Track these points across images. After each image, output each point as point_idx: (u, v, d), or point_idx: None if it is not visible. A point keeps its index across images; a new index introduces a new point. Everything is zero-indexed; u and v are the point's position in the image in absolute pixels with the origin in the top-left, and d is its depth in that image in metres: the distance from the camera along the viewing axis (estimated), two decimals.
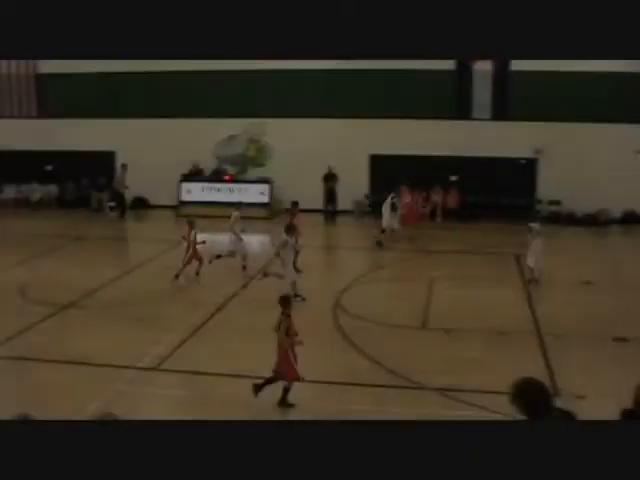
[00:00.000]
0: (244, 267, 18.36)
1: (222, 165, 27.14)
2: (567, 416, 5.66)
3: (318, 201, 25.23)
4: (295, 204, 18.75)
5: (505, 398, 11.48)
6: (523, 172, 25.43)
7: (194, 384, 11.96)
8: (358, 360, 12.92)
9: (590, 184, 24.42)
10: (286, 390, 10.89)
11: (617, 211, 25.32)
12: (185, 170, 26.89)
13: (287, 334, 10.77)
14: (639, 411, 6.62)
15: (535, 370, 12.51)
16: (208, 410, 10.42)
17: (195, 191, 26.84)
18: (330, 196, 25.45)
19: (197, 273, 17.79)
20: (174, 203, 26.78)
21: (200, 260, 17.76)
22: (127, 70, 24.68)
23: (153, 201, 27.77)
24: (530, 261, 17.30)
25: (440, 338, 13.98)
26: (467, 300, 16.18)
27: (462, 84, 25.19)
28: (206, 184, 26.75)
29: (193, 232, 17.73)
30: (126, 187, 26.19)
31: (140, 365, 12.49)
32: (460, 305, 15.89)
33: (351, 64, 23.56)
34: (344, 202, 25.71)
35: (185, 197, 26.76)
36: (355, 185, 25.84)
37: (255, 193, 26.05)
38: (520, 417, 5.55)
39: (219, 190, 26.45)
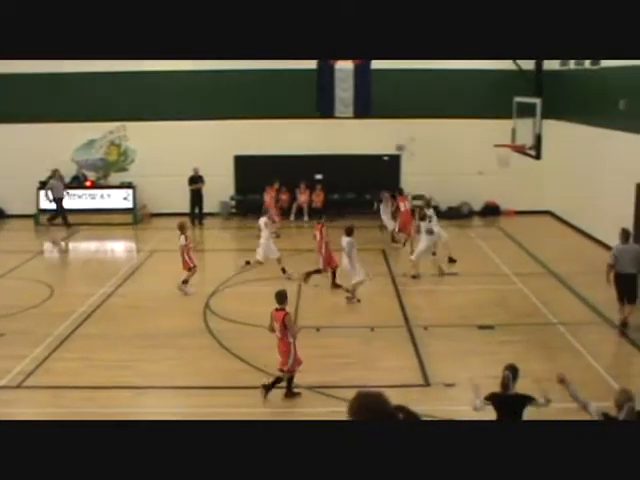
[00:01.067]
0: (284, 270, 17.98)
1: (82, 171, 26.18)
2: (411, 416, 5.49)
3: (184, 204, 24.80)
4: None
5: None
6: (387, 168, 25.90)
7: (60, 400, 11.46)
8: (230, 362, 12.78)
9: (452, 178, 25.28)
10: (290, 380, 11.40)
11: (478, 204, 26.22)
12: (43, 177, 25.74)
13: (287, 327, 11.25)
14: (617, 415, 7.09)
15: (406, 362, 12.79)
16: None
17: None
18: (196, 198, 25.06)
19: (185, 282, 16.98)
20: (32, 212, 25.55)
21: (192, 268, 17.06)
22: None
23: (9, 210, 26.37)
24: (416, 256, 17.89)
25: (312, 336, 14.00)
26: (337, 297, 16.29)
27: (324, 83, 25.36)
28: (66, 191, 25.67)
29: (183, 237, 17.01)
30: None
31: (2, 383, 11.88)
32: (330, 302, 15.99)
33: (213, 64, 23.30)
34: (210, 204, 25.38)
35: (44, 205, 25.52)
36: (221, 187, 25.57)
37: (118, 199, 25.34)
38: None
39: (80, 197, 25.51)
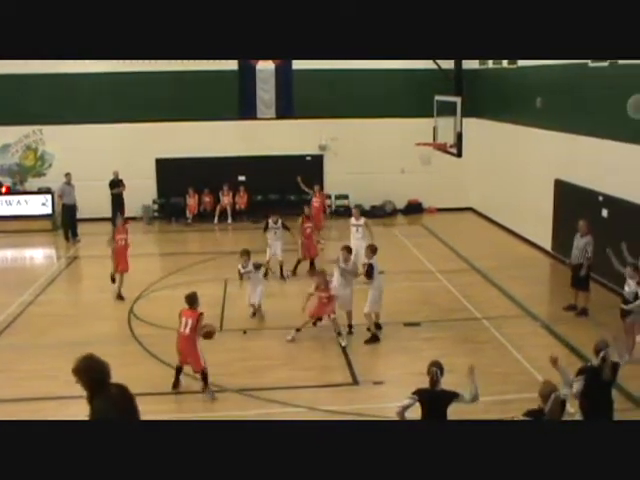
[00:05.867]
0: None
1: None
2: None
3: (105, 209, 24.30)
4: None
5: (308, 391, 11.62)
6: (310, 169, 25.91)
7: None
8: (157, 368, 12.55)
9: (374, 177, 25.50)
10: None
11: (401, 202, 26.47)
12: None
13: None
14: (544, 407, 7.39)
15: (334, 361, 12.79)
16: None
17: None
18: (117, 203, 24.56)
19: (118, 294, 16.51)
20: None
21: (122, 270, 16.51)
22: None
23: None
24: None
25: (239, 339, 13.89)
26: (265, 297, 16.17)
27: (246, 84, 25.25)
28: None
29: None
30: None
31: None
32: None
33: (133, 66, 22.92)
34: (132, 208, 24.93)
35: None
36: (143, 190, 25.15)
37: (36, 205, 24.64)
38: None
39: None
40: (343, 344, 13.53)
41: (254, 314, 15.12)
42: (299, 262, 18.22)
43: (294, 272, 18.17)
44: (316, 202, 21.56)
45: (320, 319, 14.18)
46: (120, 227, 16.76)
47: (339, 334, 13.70)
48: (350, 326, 14.23)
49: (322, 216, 21.88)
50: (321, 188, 22.94)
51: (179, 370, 11.72)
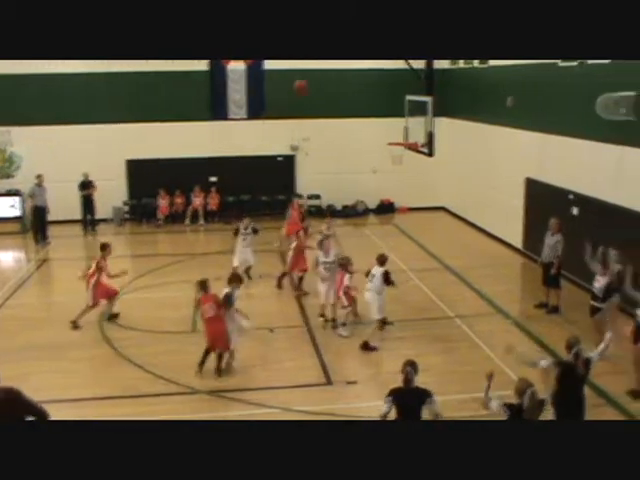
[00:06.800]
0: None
1: None
2: None
3: (75, 211, 24.06)
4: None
5: (281, 392, 11.59)
6: (282, 169, 25.87)
7: None
8: (130, 371, 12.45)
9: (346, 177, 25.50)
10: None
11: (373, 201, 26.51)
12: None
13: None
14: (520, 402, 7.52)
15: (307, 361, 12.76)
16: None
17: None
18: (87, 204, 24.34)
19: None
20: None
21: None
22: None
23: None
24: None
25: None
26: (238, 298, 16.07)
27: (217, 84, 25.15)
28: None
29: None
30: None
31: None
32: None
33: (101, 66, 22.71)
34: (103, 210, 24.71)
35: None
36: (113, 192, 24.93)
37: (4, 207, 24.31)
38: None
39: None
40: (345, 334, 14.05)
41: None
42: (284, 275, 17.22)
43: (279, 285, 17.16)
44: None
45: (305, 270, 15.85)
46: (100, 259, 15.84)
47: (343, 325, 14.22)
48: (329, 319, 14.61)
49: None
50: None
51: (207, 352, 12.24)
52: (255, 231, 17.74)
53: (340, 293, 14.15)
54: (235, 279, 12.70)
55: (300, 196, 21.64)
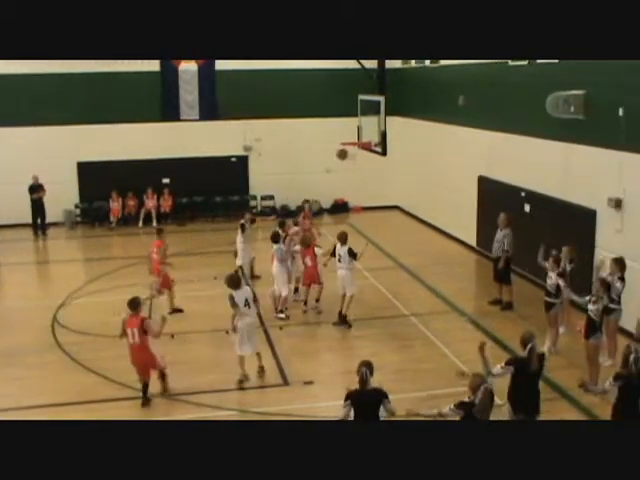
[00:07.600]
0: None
1: None
2: None
3: (25, 214, 23.66)
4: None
5: (238, 394, 11.51)
6: (235, 170, 25.76)
7: None
8: (84, 376, 12.27)
9: (300, 177, 25.48)
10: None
11: (327, 201, 26.53)
12: None
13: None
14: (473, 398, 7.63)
15: (264, 362, 12.68)
16: None
17: None
18: (37, 208, 23.94)
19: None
20: None
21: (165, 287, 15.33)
22: None
23: None
24: None
25: (167, 343, 13.65)
26: (192, 301, 15.96)
27: (168, 85, 24.94)
28: None
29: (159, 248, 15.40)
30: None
31: None
32: (187, 306, 15.63)
33: (51, 67, 22.32)
34: (54, 213, 24.33)
35: None
36: (64, 195, 24.55)
37: None
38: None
39: None
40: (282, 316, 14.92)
41: None
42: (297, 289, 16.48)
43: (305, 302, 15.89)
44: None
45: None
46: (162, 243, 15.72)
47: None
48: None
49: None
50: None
51: (145, 387, 11.22)
52: (253, 221, 17.87)
53: (319, 268, 15.38)
54: (232, 284, 12.01)
55: (308, 201, 21.32)
